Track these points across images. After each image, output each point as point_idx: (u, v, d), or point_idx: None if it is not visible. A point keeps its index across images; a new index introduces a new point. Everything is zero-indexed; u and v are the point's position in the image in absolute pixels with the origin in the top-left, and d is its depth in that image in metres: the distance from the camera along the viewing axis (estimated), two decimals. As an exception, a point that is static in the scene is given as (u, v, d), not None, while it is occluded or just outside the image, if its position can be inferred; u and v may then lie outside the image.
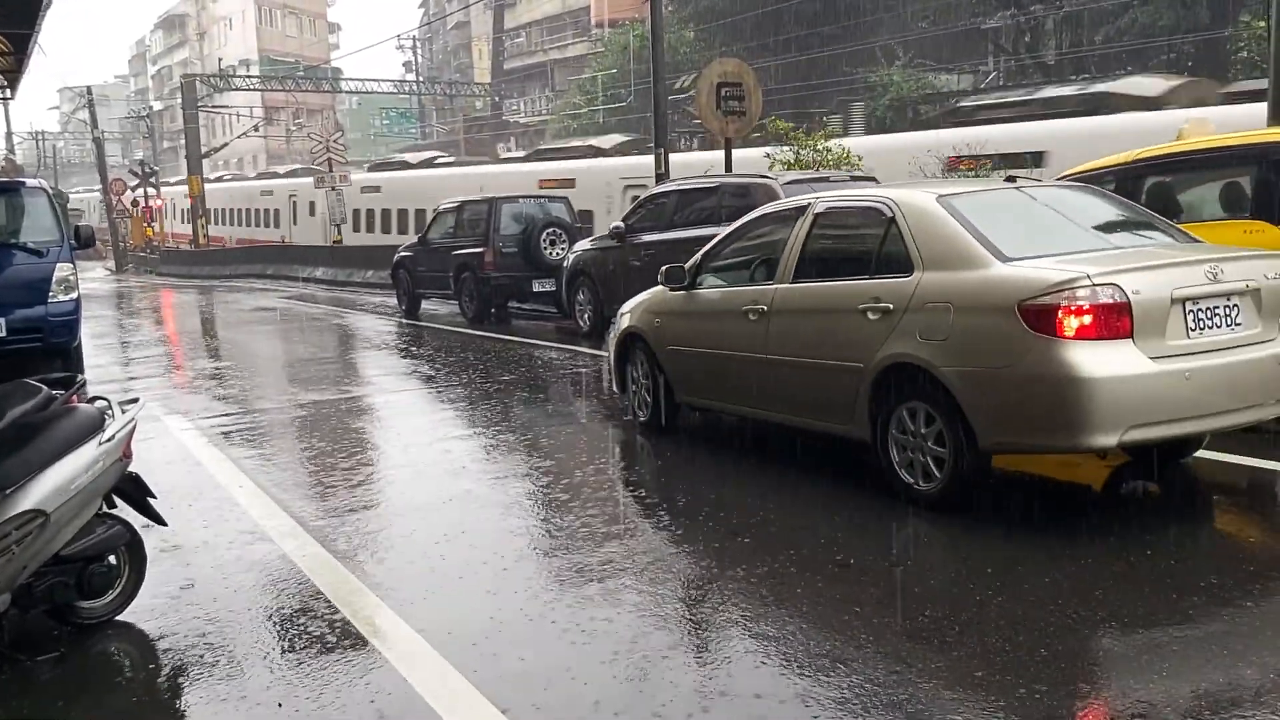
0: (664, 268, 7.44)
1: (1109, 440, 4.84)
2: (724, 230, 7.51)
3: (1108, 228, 5.86)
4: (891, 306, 5.50)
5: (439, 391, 10.67)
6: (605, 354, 8.24)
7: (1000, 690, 3.45)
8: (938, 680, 3.56)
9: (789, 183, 11.31)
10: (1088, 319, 4.79)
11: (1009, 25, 27.19)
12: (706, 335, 7.02)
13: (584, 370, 11.52)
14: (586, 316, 14.03)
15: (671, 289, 7.34)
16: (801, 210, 6.52)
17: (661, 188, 13.85)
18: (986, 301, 5.11)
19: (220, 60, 63.78)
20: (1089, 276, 4.83)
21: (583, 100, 35.95)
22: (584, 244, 14.50)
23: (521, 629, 4.18)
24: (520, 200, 18.17)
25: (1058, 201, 6.11)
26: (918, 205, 5.71)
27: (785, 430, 6.80)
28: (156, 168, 51.17)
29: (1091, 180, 8.04)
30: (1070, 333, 4.79)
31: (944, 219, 5.49)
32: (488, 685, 3.65)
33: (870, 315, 5.61)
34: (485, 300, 16.57)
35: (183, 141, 47.17)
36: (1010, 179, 6.30)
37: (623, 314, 8.05)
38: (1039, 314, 4.85)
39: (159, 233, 47.19)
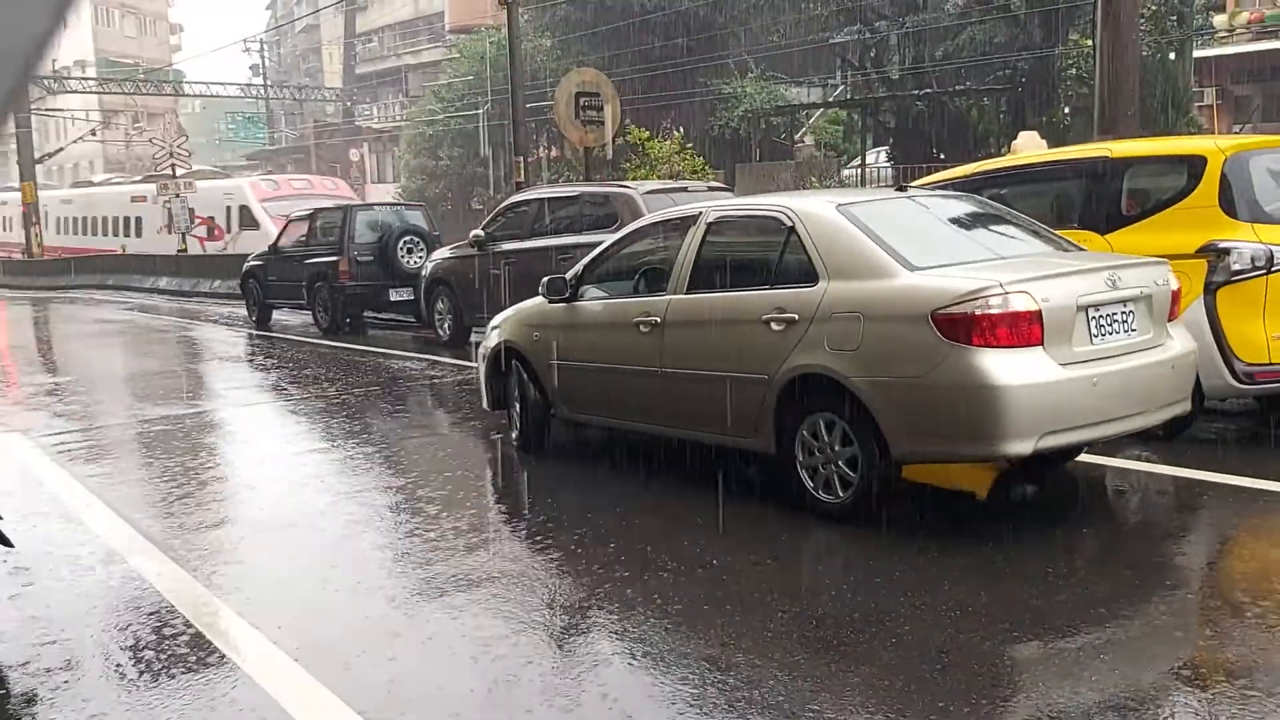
0: (546, 279, 7.12)
1: (1024, 447, 4.83)
2: (606, 240, 7.31)
3: (1000, 236, 5.92)
4: (797, 317, 5.38)
5: (293, 404, 10.44)
6: (477, 367, 7.87)
7: (888, 692, 3.59)
8: (820, 681, 3.69)
9: (648, 192, 11.45)
10: (1001, 327, 4.80)
11: (855, 41, 28.08)
12: (592, 349, 6.78)
13: (444, 380, 11.44)
14: (446, 326, 13.92)
15: (552, 301, 7.04)
16: (692, 219, 6.35)
17: (522, 196, 13.86)
18: (898, 311, 5.06)
19: (54, 61, 60.83)
20: (1001, 285, 4.83)
21: (439, 107, 35.57)
22: (443, 252, 14.38)
23: (385, 640, 4.15)
24: (375, 208, 17.94)
25: (948, 210, 6.16)
26: (818, 214, 5.64)
27: (673, 445, 6.62)
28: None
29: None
30: (984, 341, 4.79)
31: (846, 228, 5.43)
32: (352, 697, 3.62)
33: (774, 326, 5.49)
34: (340, 310, 16.25)
35: (14, 146, 44.78)
36: (901, 188, 6.24)
37: (494, 327, 7.73)
38: (952, 323, 4.83)
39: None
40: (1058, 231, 6.23)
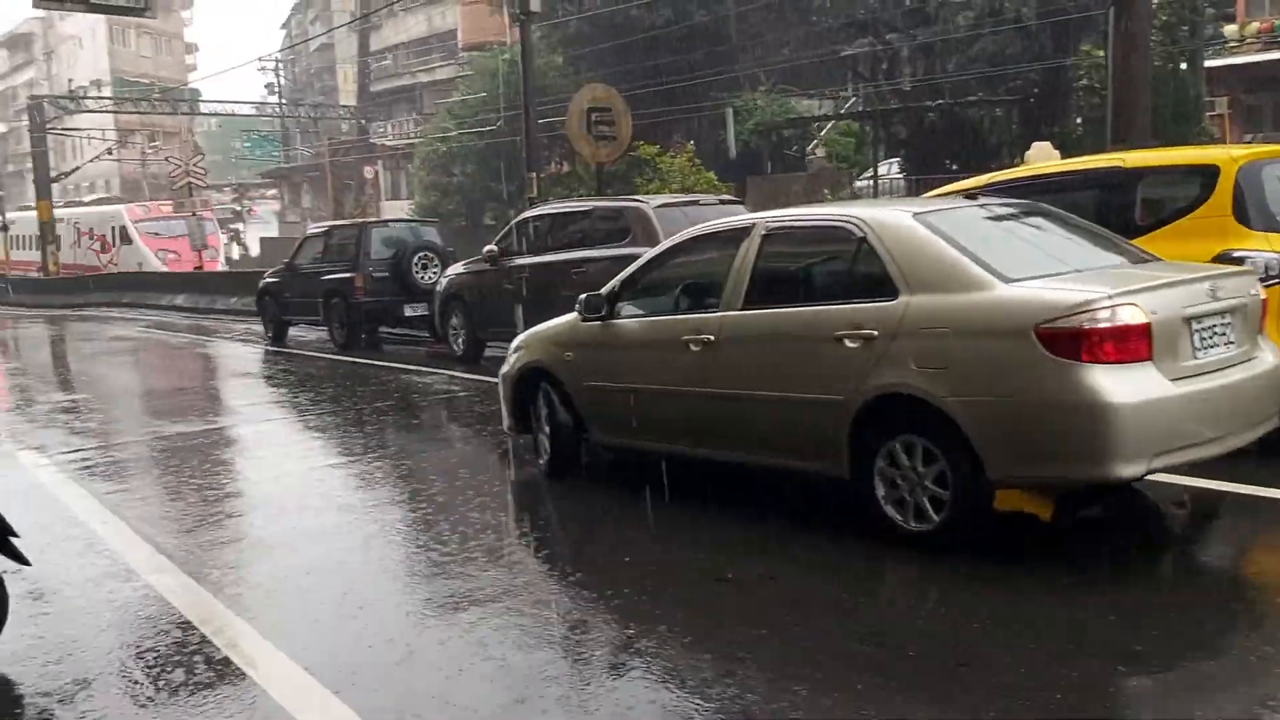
0: (582, 296, 6.68)
1: (1136, 469, 4.54)
2: (644, 255, 6.85)
3: (1079, 245, 5.62)
4: (875, 333, 5.02)
5: (310, 420, 10.48)
6: (499, 389, 7.50)
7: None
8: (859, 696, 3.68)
9: (660, 206, 11.48)
10: (1110, 342, 4.50)
11: (867, 53, 28.11)
12: (633, 369, 6.38)
13: (459, 395, 11.46)
14: (460, 341, 13.96)
15: (587, 319, 6.63)
16: (744, 231, 5.94)
17: (535, 211, 13.91)
18: (995, 325, 4.74)
19: (70, 81, 61.35)
20: (1109, 297, 4.55)
21: (452, 124, 35.73)
22: (457, 268, 14.44)
23: (401, 654, 4.16)
24: (390, 224, 18.05)
25: (1021, 218, 5.86)
26: (894, 224, 5.29)
27: (720, 468, 6.27)
28: (1, 192, 48.85)
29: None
30: (1092, 357, 4.49)
31: (928, 238, 5.10)
32: (368, 711, 3.63)
33: (848, 343, 5.12)
34: (356, 326, 16.34)
35: (30, 165, 45.17)
36: (970, 195, 5.91)
37: (518, 347, 7.34)
38: (1058, 337, 4.52)
39: (5, 260, 45.08)
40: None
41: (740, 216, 6.52)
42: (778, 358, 5.57)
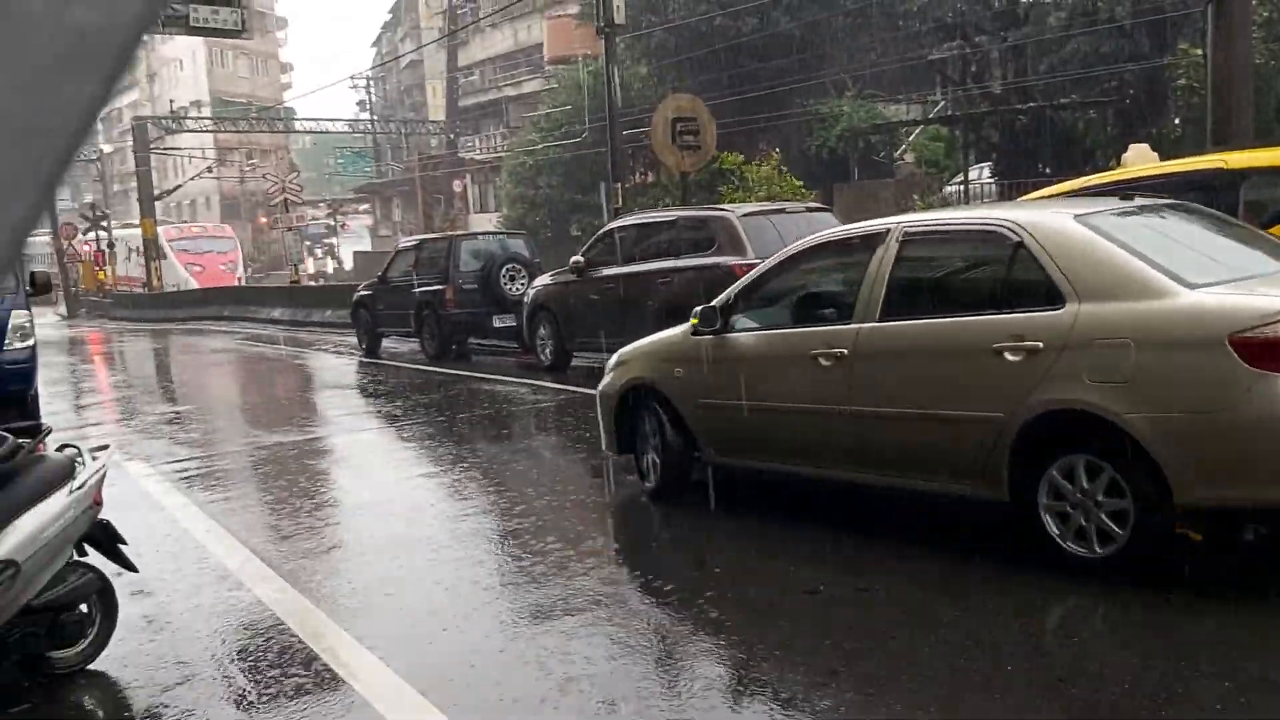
0: (698, 309, 6.32)
1: None
2: (762, 265, 6.47)
3: (1249, 248, 5.30)
4: (1041, 345, 4.65)
5: (403, 430, 10.66)
6: (596, 406, 7.20)
7: None
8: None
9: (746, 215, 11.46)
10: None
11: (955, 56, 27.72)
12: (753, 386, 5.99)
13: (547, 405, 11.56)
14: (547, 351, 14.08)
15: (701, 333, 6.28)
16: (878, 237, 5.56)
17: (620, 221, 13.98)
18: (1183, 335, 4.38)
19: (171, 102, 63.43)
20: None
21: (538, 136, 36.11)
22: (544, 279, 14.58)
23: (495, 662, 4.21)
24: (479, 237, 18.28)
25: (1181, 219, 5.50)
26: (1056, 228, 4.94)
27: (841, 487, 5.95)
28: (108, 211, 50.70)
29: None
30: None
31: (1097, 242, 4.75)
32: (462, 718, 3.68)
33: (1009, 356, 4.75)
34: (446, 337, 16.58)
35: (134, 184, 46.77)
36: (1127, 195, 5.58)
37: (620, 363, 7.01)
38: (1259, 347, 4.16)
39: (111, 276, 46.76)
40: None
41: (872, 222, 6.07)
42: (924, 373, 5.18)
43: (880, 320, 5.37)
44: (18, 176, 0.60)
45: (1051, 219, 5.07)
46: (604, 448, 7.22)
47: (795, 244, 6.39)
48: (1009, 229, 5.03)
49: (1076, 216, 5.00)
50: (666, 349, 6.69)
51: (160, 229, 44.48)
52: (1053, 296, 4.73)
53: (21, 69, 0.58)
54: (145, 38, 0.63)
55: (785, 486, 6.41)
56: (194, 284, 41.81)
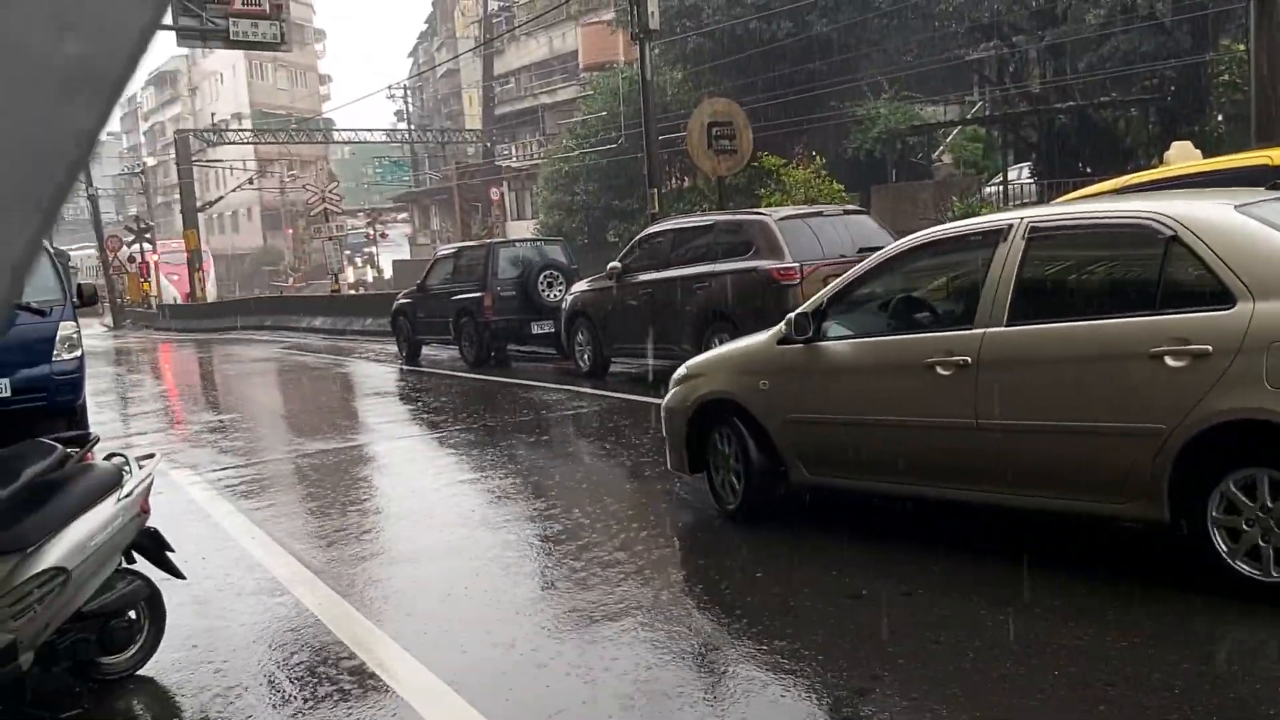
0: (791, 315, 5.84)
1: None
2: (858, 267, 5.93)
3: None
4: (1210, 349, 4.24)
5: (443, 436, 10.72)
6: (663, 424, 6.77)
7: None
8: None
9: (783, 219, 11.43)
10: None
11: (992, 56, 27.51)
12: (857, 399, 5.56)
13: (586, 411, 11.59)
14: (586, 357, 14.12)
15: (790, 341, 5.81)
16: (999, 234, 5.12)
17: (657, 227, 13.99)
18: None
19: (213, 115, 64.34)
20: None
21: (574, 143, 36.22)
22: (581, 285, 14.62)
23: (538, 667, 4.22)
24: (517, 244, 18.38)
25: None
26: (1217, 220, 4.53)
27: (957, 508, 5.51)
28: (152, 223, 51.51)
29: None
30: None
31: (1266, 234, 4.38)
32: (509, 726, 3.70)
33: (1171, 362, 4.34)
34: (485, 344, 16.67)
35: (177, 196, 47.46)
36: (1275, 185, 5.18)
37: (691, 376, 6.55)
38: None
39: (156, 289, 47.53)
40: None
41: (989, 217, 5.64)
42: (1066, 382, 4.73)
43: (1008, 324, 4.93)
44: (18, 204, 0.60)
45: (1210, 210, 4.64)
46: (670, 467, 6.83)
47: (894, 244, 5.93)
48: (1161, 222, 4.59)
49: (1238, 207, 4.58)
50: (748, 360, 6.22)
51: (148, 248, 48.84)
52: (1219, 295, 4.31)
53: (19, 98, 0.59)
54: (138, 67, 0.64)
55: (834, 496, 6.36)
56: (176, 294, 48.76)
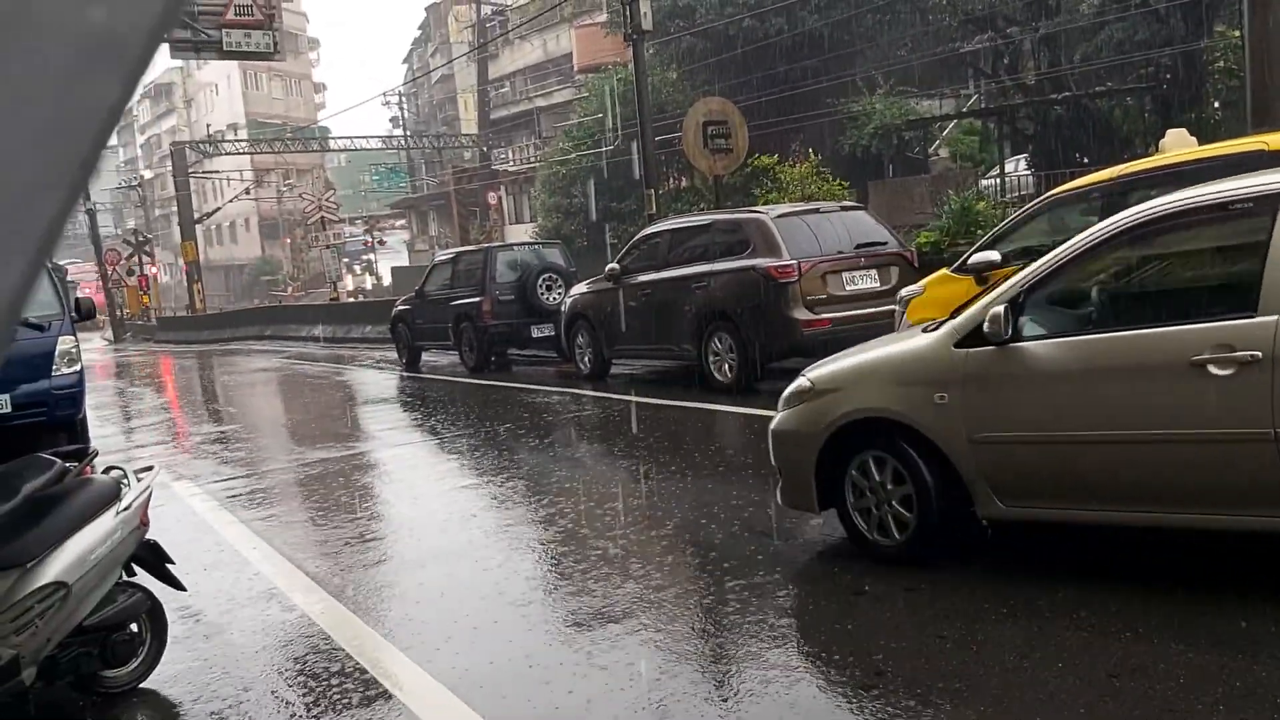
0: (970, 310, 4.89)
1: None
2: (1062, 248, 4.76)
3: None
4: None
5: (444, 442, 10.71)
6: (773, 450, 5.64)
7: None
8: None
9: (780, 216, 11.42)
10: None
11: (987, 49, 27.49)
12: (1086, 411, 4.48)
13: (588, 414, 11.58)
14: (586, 359, 14.11)
15: (969, 344, 4.78)
16: (1267, 201, 4.15)
17: (655, 227, 13.98)
18: None
19: (208, 126, 64.30)
20: None
21: (570, 146, 36.22)
22: (580, 287, 14.61)
23: (542, 672, 4.21)
24: (515, 248, 18.39)
25: None
26: None
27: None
28: (150, 236, 51.55)
29: (1078, 197, 8.15)
30: None
31: None
32: (513, 731, 3.69)
33: None
34: (485, 349, 16.66)
35: (174, 208, 47.54)
36: None
37: (820, 391, 5.37)
38: None
39: (155, 301, 47.61)
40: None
41: (1247, 181, 4.44)
42: None
43: None
44: (44, 178, 0.60)
45: None
46: (787, 504, 5.62)
47: (1106, 222, 4.75)
48: None
49: None
50: (912, 368, 5.06)
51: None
52: None
53: (42, 71, 0.58)
54: (165, 38, 0.63)
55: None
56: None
